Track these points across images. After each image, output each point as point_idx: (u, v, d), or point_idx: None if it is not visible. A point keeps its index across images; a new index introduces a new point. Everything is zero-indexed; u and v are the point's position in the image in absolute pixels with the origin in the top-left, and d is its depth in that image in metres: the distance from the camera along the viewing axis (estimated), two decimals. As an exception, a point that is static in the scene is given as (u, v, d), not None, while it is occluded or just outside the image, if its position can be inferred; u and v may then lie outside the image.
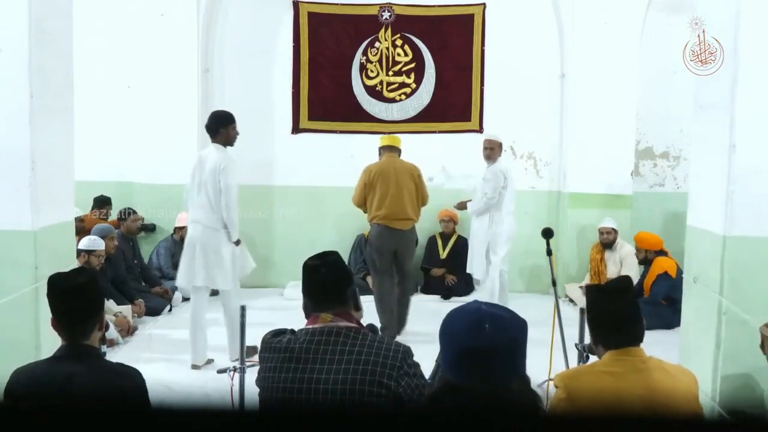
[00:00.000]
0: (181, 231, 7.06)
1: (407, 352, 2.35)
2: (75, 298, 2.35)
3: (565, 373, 2.58)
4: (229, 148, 5.32)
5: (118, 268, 6.52)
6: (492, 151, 6.39)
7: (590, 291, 2.58)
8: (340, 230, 7.79)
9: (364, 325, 2.52)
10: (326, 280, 2.42)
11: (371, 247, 6.15)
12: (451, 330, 1.66)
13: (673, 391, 2.34)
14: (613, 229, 7.14)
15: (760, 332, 3.72)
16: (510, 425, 0.97)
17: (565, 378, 2.44)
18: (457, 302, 6.75)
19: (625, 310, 2.44)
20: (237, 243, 5.32)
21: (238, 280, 5.48)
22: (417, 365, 2.36)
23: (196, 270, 5.26)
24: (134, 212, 7.12)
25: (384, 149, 6.16)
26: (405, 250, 6.06)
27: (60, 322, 2.36)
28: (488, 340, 1.58)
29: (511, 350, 1.61)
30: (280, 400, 2.29)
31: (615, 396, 2.30)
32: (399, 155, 6.15)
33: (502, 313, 1.65)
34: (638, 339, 2.44)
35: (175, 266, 7.21)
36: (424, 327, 6.07)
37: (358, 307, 2.49)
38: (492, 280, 6.44)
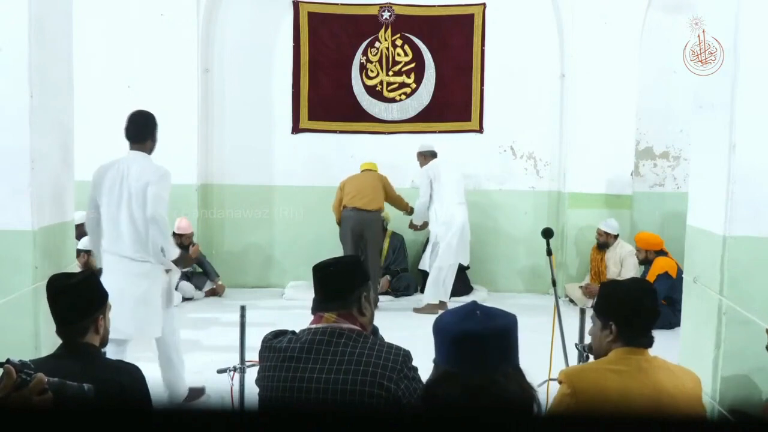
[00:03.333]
0: (181, 238, 6.92)
1: (407, 356, 2.36)
2: (67, 298, 2.36)
3: (570, 370, 2.57)
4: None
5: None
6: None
7: (620, 286, 2.58)
8: (339, 231, 7.76)
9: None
10: (331, 280, 2.41)
11: (341, 229, 7.05)
12: (443, 322, 1.71)
13: (677, 390, 2.34)
14: (606, 232, 7.14)
15: (766, 333, 3.71)
16: (506, 412, 0.98)
17: (570, 374, 2.43)
18: (456, 302, 6.76)
19: (658, 312, 2.48)
20: (178, 263, 4.38)
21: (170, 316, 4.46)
22: (416, 369, 2.37)
23: (127, 319, 4.05)
24: None
25: (364, 171, 7.31)
26: (371, 233, 6.93)
27: (55, 321, 2.38)
28: (480, 325, 1.64)
29: (502, 337, 1.65)
30: (280, 399, 2.29)
31: (620, 394, 2.30)
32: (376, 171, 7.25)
33: (491, 307, 1.73)
34: (651, 343, 2.46)
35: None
36: (423, 326, 6.06)
37: (362, 313, 2.44)
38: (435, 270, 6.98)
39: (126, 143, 4.32)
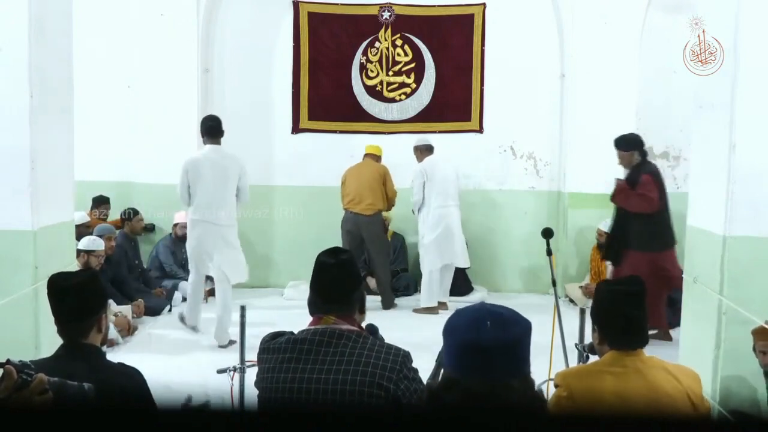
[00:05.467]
0: (175, 227, 7.21)
1: (407, 356, 2.35)
2: (71, 298, 2.35)
3: (567, 372, 2.57)
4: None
5: (119, 268, 6.52)
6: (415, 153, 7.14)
7: (603, 290, 2.53)
8: (340, 231, 7.77)
9: (364, 326, 2.51)
10: (335, 281, 2.40)
11: (342, 231, 7.07)
12: (452, 326, 1.65)
13: (675, 390, 2.34)
14: (606, 232, 7.12)
15: (752, 335, 3.73)
16: (508, 421, 0.97)
17: (567, 377, 2.43)
18: (456, 301, 6.76)
19: (638, 315, 2.44)
20: None
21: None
22: (416, 370, 2.36)
23: (215, 264, 5.76)
24: (138, 213, 7.15)
25: (365, 156, 7.26)
26: (369, 234, 6.99)
27: (58, 321, 2.38)
28: (488, 336, 1.57)
29: (511, 348, 1.60)
30: (279, 400, 2.29)
31: (616, 395, 2.30)
32: (376, 160, 7.21)
33: (504, 312, 1.64)
34: (644, 343, 2.45)
35: (177, 264, 7.23)
36: (423, 327, 6.07)
37: (362, 311, 2.47)
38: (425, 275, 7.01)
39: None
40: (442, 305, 6.86)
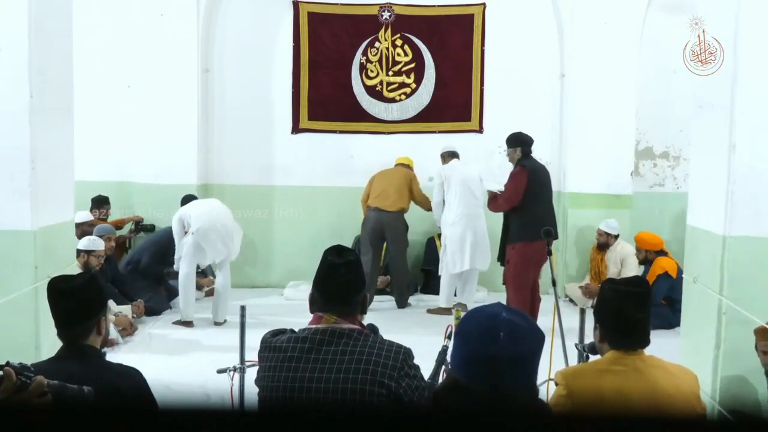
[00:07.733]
0: None
1: (408, 353, 2.34)
2: (71, 300, 2.35)
3: (567, 371, 2.57)
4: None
5: (118, 268, 6.51)
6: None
7: (607, 290, 2.51)
8: (340, 231, 7.78)
9: (365, 325, 2.51)
10: (342, 282, 2.39)
11: (364, 228, 7.14)
12: (465, 330, 1.62)
13: (675, 390, 2.34)
14: (606, 232, 7.12)
15: (754, 334, 3.73)
16: (512, 426, 0.97)
17: (567, 375, 2.43)
18: (456, 302, 6.76)
19: (642, 318, 2.43)
20: None
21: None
22: (417, 367, 2.35)
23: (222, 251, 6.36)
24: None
25: (396, 165, 7.41)
26: (392, 231, 7.06)
27: (58, 324, 2.37)
28: (500, 350, 1.53)
29: (522, 364, 1.57)
30: (280, 399, 2.28)
31: (616, 394, 2.30)
32: (407, 168, 7.36)
33: (520, 323, 1.58)
34: (646, 344, 2.44)
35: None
36: (424, 326, 6.07)
37: (364, 311, 2.48)
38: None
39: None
40: (462, 306, 6.85)
